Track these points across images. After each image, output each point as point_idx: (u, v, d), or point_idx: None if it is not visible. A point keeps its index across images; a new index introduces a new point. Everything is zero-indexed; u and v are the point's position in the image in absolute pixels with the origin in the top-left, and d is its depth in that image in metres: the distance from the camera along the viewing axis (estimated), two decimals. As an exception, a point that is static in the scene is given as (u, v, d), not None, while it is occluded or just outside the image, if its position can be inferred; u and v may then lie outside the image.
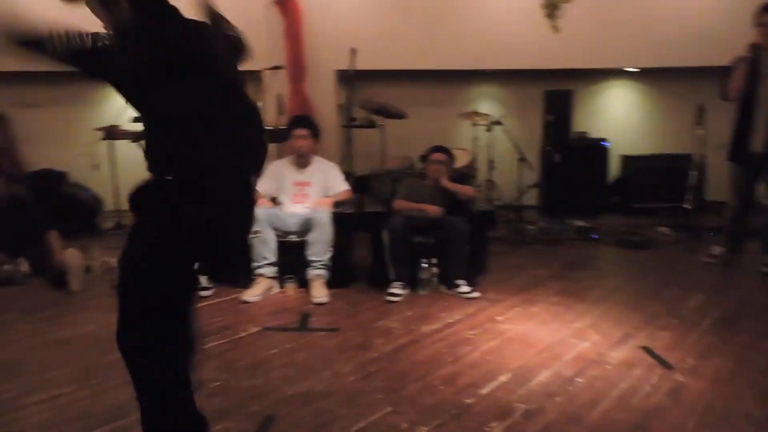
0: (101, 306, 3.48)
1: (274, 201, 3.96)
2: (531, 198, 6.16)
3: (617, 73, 6.54)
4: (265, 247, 3.68)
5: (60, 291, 3.72)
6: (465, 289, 3.62)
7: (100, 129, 4.93)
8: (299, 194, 3.97)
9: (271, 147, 5.28)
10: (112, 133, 4.90)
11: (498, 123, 5.62)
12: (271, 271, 3.70)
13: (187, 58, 1.75)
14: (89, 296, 3.68)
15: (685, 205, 5.42)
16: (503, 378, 2.50)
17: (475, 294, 3.60)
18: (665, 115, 6.53)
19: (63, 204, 5.41)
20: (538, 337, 2.97)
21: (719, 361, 2.65)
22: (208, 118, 1.76)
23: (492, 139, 5.66)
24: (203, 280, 3.64)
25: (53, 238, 4.04)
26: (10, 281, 3.83)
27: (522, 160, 5.61)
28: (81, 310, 3.42)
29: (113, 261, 4.12)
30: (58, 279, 3.75)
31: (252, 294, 3.56)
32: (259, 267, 3.68)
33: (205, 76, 1.79)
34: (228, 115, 1.82)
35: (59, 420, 2.16)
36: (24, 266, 3.97)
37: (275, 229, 3.76)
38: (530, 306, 3.45)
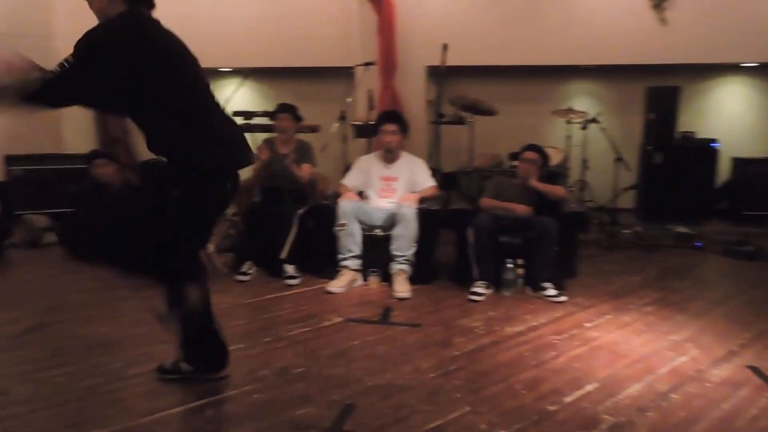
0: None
1: (361, 195, 4.02)
2: (627, 200, 5.83)
3: (730, 69, 6.02)
4: (350, 240, 3.75)
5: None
6: (552, 292, 3.50)
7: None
8: (386, 189, 4.01)
9: (360, 142, 5.38)
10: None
11: (594, 121, 5.37)
12: (355, 263, 3.77)
13: (178, 57, 2.05)
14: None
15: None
16: (589, 387, 2.39)
17: (563, 298, 3.47)
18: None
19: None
20: (630, 348, 2.81)
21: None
22: (203, 110, 2.08)
23: (587, 137, 5.41)
24: (290, 269, 3.78)
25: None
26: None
27: (619, 160, 5.32)
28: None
29: (210, 247, 4.37)
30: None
31: (336, 285, 3.64)
32: (345, 259, 3.76)
33: (194, 74, 2.09)
34: (219, 111, 2.16)
35: (160, 391, 2.33)
36: (133, 248, 4.30)
37: (361, 222, 3.82)
38: (622, 314, 3.28)
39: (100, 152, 4.81)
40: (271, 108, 4.53)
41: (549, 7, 5.73)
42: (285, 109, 4.21)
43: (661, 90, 5.68)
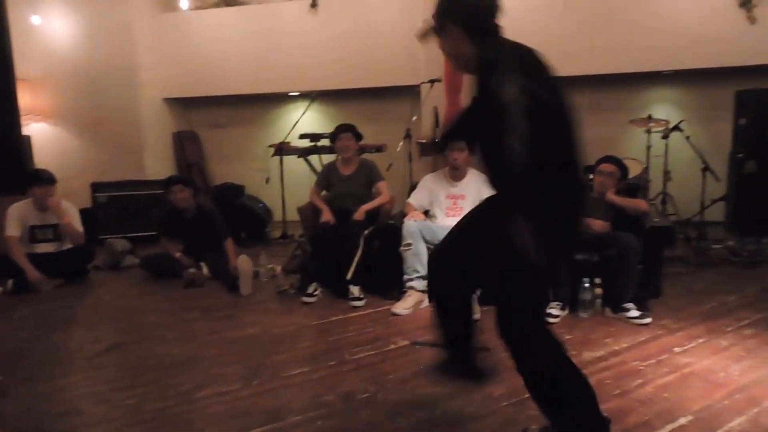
0: (266, 309, 3.75)
1: (426, 214, 3.94)
2: (716, 213, 5.39)
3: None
4: (416, 260, 3.66)
5: (232, 293, 4.07)
6: (634, 313, 3.24)
7: (271, 146, 5.37)
8: (453, 207, 3.90)
9: (427, 160, 5.30)
10: (281, 149, 5.29)
11: (677, 129, 5.03)
12: (421, 284, 3.67)
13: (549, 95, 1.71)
14: (257, 300, 3.98)
15: None
16: (683, 420, 2.15)
17: (647, 320, 3.20)
18: None
19: (239, 214, 5.99)
20: (728, 376, 2.53)
21: None
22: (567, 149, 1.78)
23: (669, 147, 5.07)
24: (356, 290, 3.74)
25: (230, 245, 4.47)
26: (193, 283, 4.29)
27: (706, 169, 4.94)
28: (250, 312, 3.70)
29: (278, 268, 4.43)
30: (231, 282, 4.12)
31: (402, 307, 3.55)
32: (410, 280, 3.67)
33: (563, 113, 1.77)
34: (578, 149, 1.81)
35: (225, 415, 2.32)
36: (205, 270, 4.43)
37: (427, 242, 3.72)
38: (717, 338, 2.97)
39: (177, 178, 5.01)
40: (335, 130, 4.55)
41: (625, 12, 5.47)
42: (346, 129, 4.22)
43: (751, 93, 5.25)
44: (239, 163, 7.09)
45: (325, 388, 2.53)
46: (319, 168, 4.74)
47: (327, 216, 4.04)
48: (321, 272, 3.93)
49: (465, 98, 6.01)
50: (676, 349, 2.84)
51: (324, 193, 4.34)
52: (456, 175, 3.96)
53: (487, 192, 3.84)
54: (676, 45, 5.35)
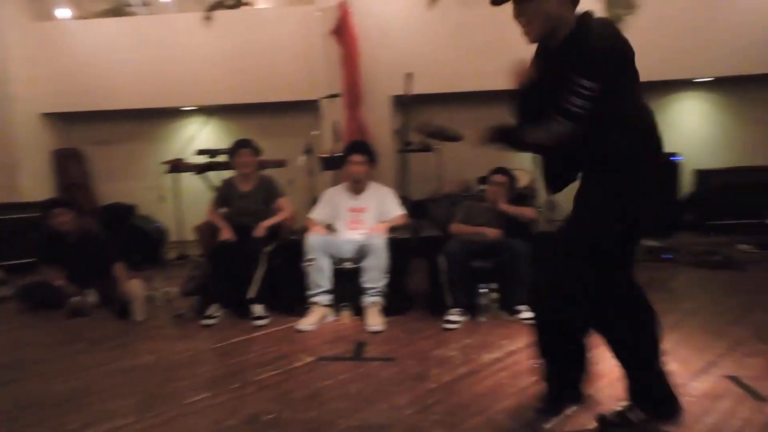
0: (162, 335, 3.56)
1: (329, 228, 3.95)
2: (597, 218, 5.87)
3: (688, 85, 6.20)
4: (319, 275, 3.65)
5: (124, 320, 3.82)
6: (527, 314, 3.44)
7: (165, 162, 5.13)
8: (354, 220, 3.94)
9: (328, 175, 5.32)
10: (177, 166, 5.08)
11: (558, 141, 5.41)
12: (326, 299, 3.67)
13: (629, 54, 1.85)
14: (152, 326, 3.76)
15: (766, 221, 5.01)
16: (568, 411, 2.30)
17: (539, 320, 3.41)
18: (744, 126, 6.11)
19: (130, 236, 5.65)
20: (609, 366, 2.72)
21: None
22: (644, 111, 1.96)
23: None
24: (259, 309, 3.65)
25: (120, 269, 4.20)
26: (78, 312, 3.98)
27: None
28: (144, 339, 3.50)
29: (174, 291, 4.22)
30: (122, 308, 3.87)
31: (307, 323, 3.52)
32: (314, 295, 3.65)
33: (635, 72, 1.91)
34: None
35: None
36: (92, 297, 4.12)
37: (330, 256, 3.73)
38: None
39: (57, 200, 4.64)
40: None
41: (510, 38, 5.81)
42: (244, 144, 4.13)
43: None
44: (129, 182, 6.70)
45: (228, 412, 2.44)
46: (217, 185, 4.60)
47: (226, 233, 3.92)
48: (221, 292, 3.80)
49: (364, 113, 6.15)
50: (565, 346, 3.04)
51: (223, 210, 4.22)
52: (357, 188, 4.01)
53: (390, 204, 3.95)
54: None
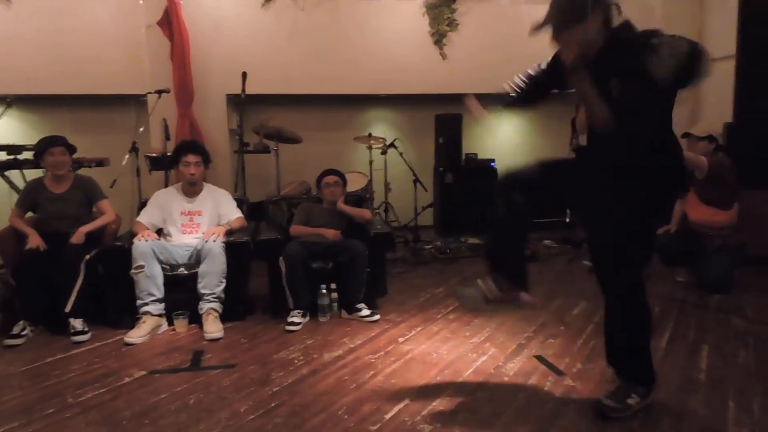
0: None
1: (160, 232, 3.71)
2: (427, 218, 6.30)
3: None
4: (150, 283, 3.41)
5: None
6: (366, 312, 3.58)
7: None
8: (188, 224, 3.75)
9: (157, 175, 4.98)
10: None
11: (392, 146, 5.71)
12: (157, 308, 3.44)
13: None
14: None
15: (566, 219, 5.81)
16: (407, 400, 2.47)
17: (376, 317, 3.57)
18: (541, 134, 6.98)
19: None
20: (439, 356, 2.99)
21: (603, 362, 2.79)
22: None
23: (387, 161, 5.74)
24: (78, 324, 3.30)
25: None
26: None
27: (416, 181, 5.74)
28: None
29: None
30: None
31: (136, 335, 3.26)
32: (144, 304, 3.40)
33: None
34: None
35: None
36: None
37: (162, 262, 3.51)
38: (430, 325, 3.48)
39: None
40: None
41: (348, 40, 5.99)
42: (57, 142, 3.69)
43: (446, 117, 6.29)
44: None
45: (43, 441, 2.18)
46: (21, 185, 4.05)
47: (34, 241, 3.47)
48: (29, 308, 3.35)
49: (197, 111, 5.88)
50: (400, 339, 3.24)
51: (30, 215, 3.73)
52: (191, 190, 3.83)
53: (226, 207, 3.83)
54: (389, 72, 6.11)
